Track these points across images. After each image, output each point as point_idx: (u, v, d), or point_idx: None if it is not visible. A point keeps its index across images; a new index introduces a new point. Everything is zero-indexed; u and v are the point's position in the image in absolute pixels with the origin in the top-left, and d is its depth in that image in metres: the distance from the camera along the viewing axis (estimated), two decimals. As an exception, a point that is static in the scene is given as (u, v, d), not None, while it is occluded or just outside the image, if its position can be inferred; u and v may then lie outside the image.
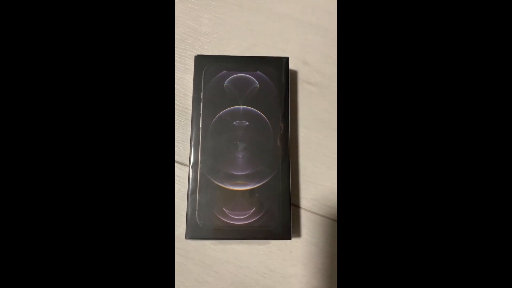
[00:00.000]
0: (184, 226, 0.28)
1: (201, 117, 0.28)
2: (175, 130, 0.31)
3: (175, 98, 0.32)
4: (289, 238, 0.27)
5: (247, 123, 0.28)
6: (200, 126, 0.28)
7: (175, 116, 0.32)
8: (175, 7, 0.34)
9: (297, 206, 0.30)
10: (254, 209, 0.27)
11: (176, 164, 0.31)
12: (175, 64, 0.33)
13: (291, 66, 0.33)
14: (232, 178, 0.27)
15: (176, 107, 0.32)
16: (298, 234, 0.30)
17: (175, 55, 0.33)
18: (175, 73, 0.33)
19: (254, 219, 0.27)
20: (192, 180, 0.27)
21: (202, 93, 0.29)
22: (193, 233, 0.26)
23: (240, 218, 0.27)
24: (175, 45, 0.33)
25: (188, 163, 0.28)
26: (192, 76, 0.31)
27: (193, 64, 0.30)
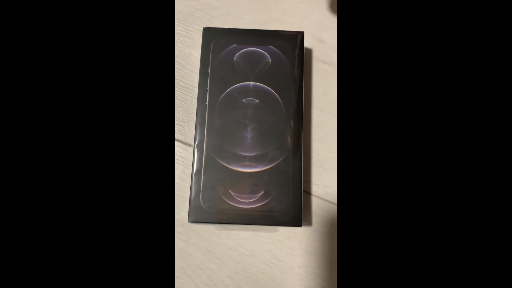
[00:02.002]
0: (187, 210, 0.26)
1: (208, 93, 0.27)
2: (180, 108, 0.29)
3: (182, 75, 0.30)
4: (300, 225, 0.25)
5: (257, 101, 0.26)
6: (207, 103, 0.26)
7: (181, 94, 0.30)
8: (184, -21, 0.32)
9: (308, 193, 0.28)
10: (262, 192, 0.25)
11: (180, 144, 0.29)
12: (182, 39, 0.31)
13: (306, 44, 0.30)
14: (240, 159, 0.26)
15: (182, 84, 0.30)
16: (308, 222, 0.28)
17: (182, 29, 0.31)
18: (183, 49, 0.31)
19: (262, 203, 0.25)
20: (196, 160, 0.26)
21: (209, 68, 0.27)
22: (197, 216, 0.25)
23: (247, 202, 0.25)
24: (183, 19, 0.31)
25: (193, 143, 0.27)
26: (200, 52, 0.29)
27: (200, 39, 0.28)
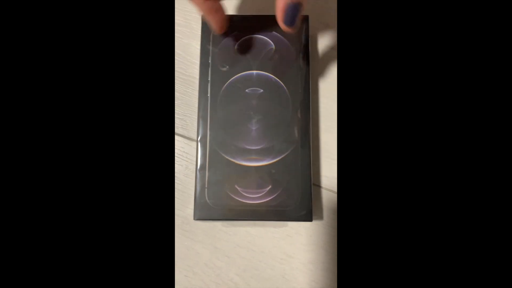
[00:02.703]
0: (192, 207, 0.25)
1: (209, 85, 0.25)
2: (182, 101, 0.28)
3: (182, 67, 0.29)
4: (310, 220, 0.24)
5: (262, 90, 0.25)
6: (209, 95, 0.25)
7: (182, 86, 0.29)
8: (181, -35, 0.31)
9: (317, 186, 0.27)
10: (270, 187, 0.24)
11: (182, 139, 0.28)
12: (181, 29, 0.30)
13: (311, 29, 0.29)
14: (245, 153, 0.24)
15: (182, 76, 0.29)
16: (319, 216, 0.27)
17: (180, 18, 0.30)
18: (181, 39, 0.29)
19: (270, 198, 0.24)
20: (200, 155, 0.25)
21: (210, 58, 0.26)
22: (202, 213, 0.24)
23: (254, 197, 0.24)
24: (181, 8, 0.30)
25: (195, 138, 0.25)
26: (199, 42, 0.27)
27: (200, 28, 0.27)
